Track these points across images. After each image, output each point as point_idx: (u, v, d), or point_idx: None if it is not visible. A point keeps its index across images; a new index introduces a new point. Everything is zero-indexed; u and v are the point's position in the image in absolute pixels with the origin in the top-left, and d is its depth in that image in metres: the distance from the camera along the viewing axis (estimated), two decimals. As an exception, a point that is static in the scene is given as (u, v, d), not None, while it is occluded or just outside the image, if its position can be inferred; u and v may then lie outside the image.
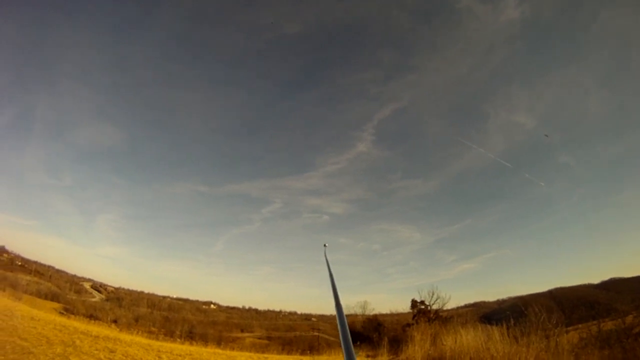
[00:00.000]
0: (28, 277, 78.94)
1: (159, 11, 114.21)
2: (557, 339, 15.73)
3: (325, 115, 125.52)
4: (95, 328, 30.28)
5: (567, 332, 19.40)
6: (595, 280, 79.84)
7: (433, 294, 41.20)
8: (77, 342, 17.14)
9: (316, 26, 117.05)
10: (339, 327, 2.18)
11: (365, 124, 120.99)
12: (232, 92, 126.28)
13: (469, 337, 20.77)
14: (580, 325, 26.13)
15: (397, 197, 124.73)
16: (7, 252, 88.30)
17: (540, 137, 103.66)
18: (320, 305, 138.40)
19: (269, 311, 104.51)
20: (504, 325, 17.79)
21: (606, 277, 76.40)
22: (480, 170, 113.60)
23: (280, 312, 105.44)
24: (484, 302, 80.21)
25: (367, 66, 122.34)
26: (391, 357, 31.73)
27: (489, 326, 19.84)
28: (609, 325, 20.79)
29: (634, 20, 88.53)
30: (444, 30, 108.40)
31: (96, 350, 16.41)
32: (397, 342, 33.96)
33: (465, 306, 71.03)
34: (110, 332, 29.50)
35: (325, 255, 3.61)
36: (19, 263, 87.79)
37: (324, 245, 4.29)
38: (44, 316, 28.56)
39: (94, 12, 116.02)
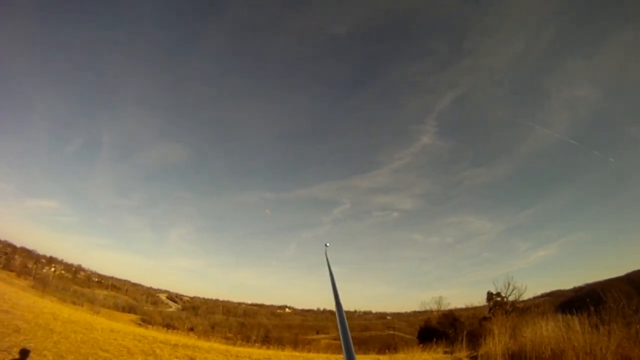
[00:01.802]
0: (105, 292, 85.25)
1: (208, 29, 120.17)
2: (638, 327, 14.94)
3: (385, 112, 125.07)
4: (173, 337, 30.99)
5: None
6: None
7: (509, 285, 40.00)
8: (157, 351, 17.82)
9: (364, 23, 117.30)
10: (339, 327, 2.20)
11: (426, 116, 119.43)
12: (290, 98, 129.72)
13: (548, 328, 20.16)
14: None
15: (465, 187, 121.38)
16: (83, 270, 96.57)
17: (606, 110, 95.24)
18: (395, 302, 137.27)
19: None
20: (583, 314, 17.15)
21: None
22: (546, 152, 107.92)
23: (354, 312, 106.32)
24: (560, 291, 76.30)
25: (421, 56, 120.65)
26: (469, 352, 31.17)
27: (567, 315, 19.12)
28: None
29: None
30: (493, 8, 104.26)
31: (176, 358, 17.21)
32: (474, 337, 33.25)
33: (542, 296, 67.82)
34: (188, 339, 30.39)
35: (326, 255, 3.87)
36: (96, 279, 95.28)
37: (325, 245, 4.55)
38: (123, 327, 29.51)
39: (146, 38, 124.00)
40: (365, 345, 53.53)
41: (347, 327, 2.15)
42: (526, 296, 40.65)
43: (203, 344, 28.02)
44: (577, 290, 71.09)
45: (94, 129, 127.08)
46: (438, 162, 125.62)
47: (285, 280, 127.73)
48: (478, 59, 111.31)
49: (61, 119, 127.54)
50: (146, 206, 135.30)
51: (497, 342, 25.24)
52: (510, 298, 39.38)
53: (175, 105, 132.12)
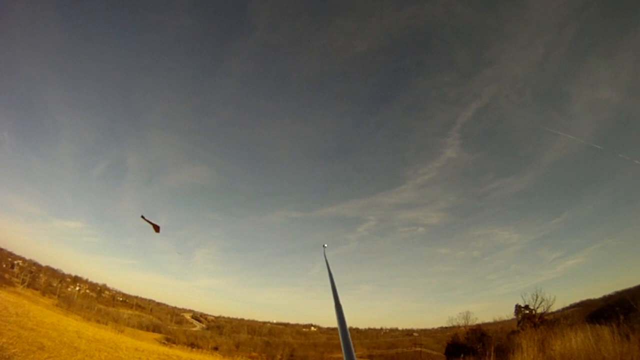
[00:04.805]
0: (129, 311, 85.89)
1: (233, 52, 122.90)
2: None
3: (408, 127, 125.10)
4: (197, 356, 31.56)
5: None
6: None
7: (537, 297, 39.14)
8: None
9: (385, 39, 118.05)
10: (338, 327, 2.22)
11: (450, 129, 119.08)
12: (315, 117, 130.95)
13: (577, 340, 19.34)
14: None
15: (492, 198, 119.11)
16: (108, 289, 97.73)
17: (629, 111, 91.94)
18: (423, 319, 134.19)
19: (369, 329, 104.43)
20: (613, 324, 16.33)
21: None
22: (572, 157, 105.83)
23: (381, 329, 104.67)
24: (590, 301, 73.60)
25: (443, 69, 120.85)
26: (497, 367, 30.18)
27: (597, 326, 18.26)
28: None
29: None
30: (510, 16, 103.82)
31: None
32: (502, 352, 32.27)
33: (571, 306, 65.53)
34: (213, 358, 30.34)
35: (325, 256, 3.78)
36: (120, 299, 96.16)
37: (323, 246, 4.48)
38: (147, 346, 29.91)
39: (172, 63, 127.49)
40: (391, 362, 52.43)
41: (347, 327, 2.20)
42: (555, 307, 39.68)
43: (227, 363, 27.99)
44: (606, 299, 68.54)
45: (120, 153, 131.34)
46: (463, 175, 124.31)
47: (311, 299, 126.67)
48: (499, 67, 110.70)
49: (88, 143, 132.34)
50: (173, 227, 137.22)
51: (525, 357, 24.47)
52: (539, 310, 38.39)
53: (200, 127, 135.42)
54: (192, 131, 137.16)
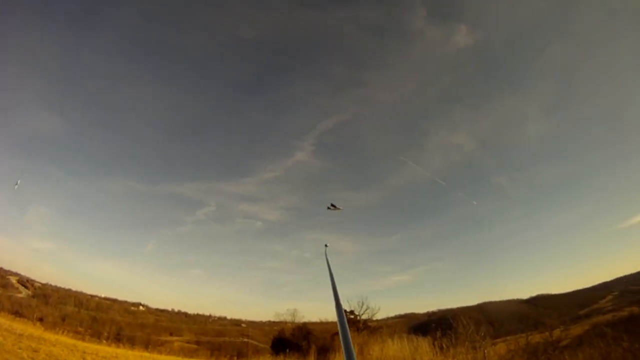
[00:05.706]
0: None
1: (117, 4, 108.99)
2: (485, 351, 15.85)
3: (267, 122, 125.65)
4: (19, 326, 30.22)
5: (495, 344, 19.89)
6: (524, 295, 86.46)
7: (362, 304, 41.94)
8: (0, 339, 17.00)
9: (272, 33, 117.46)
10: (338, 326, 2.33)
11: (307, 133, 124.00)
12: (178, 91, 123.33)
13: (395, 347, 20.76)
14: (508, 338, 27.12)
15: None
16: None
17: (476, 159, 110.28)
18: (252, 310, 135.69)
19: (198, 315, 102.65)
20: (432, 337, 17.77)
21: (534, 293, 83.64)
22: (417, 186, 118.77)
23: (209, 316, 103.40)
24: (414, 314, 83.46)
25: (317, 77, 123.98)
26: (319, 365, 31.26)
27: (417, 337, 19.80)
28: (537, 338, 21.66)
29: (577, 56, 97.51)
30: (396, 49, 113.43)
31: (19, 349, 16.04)
32: (325, 351, 33.60)
33: (396, 317, 73.13)
34: (35, 330, 29.07)
35: (326, 255, 3.33)
36: None
37: (325, 246, 4.21)
38: None
39: None
40: (218, 351, 51.64)
41: (347, 327, 2.35)
42: (380, 316, 42.93)
43: (50, 336, 27.00)
44: (430, 315, 78.53)
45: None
46: (310, 180, 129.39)
47: (142, 276, 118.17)
48: (370, 90, 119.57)
49: None
50: (8, 176, 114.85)
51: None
52: (364, 316, 41.14)
53: (62, 72, 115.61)
54: (52, 73, 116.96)
